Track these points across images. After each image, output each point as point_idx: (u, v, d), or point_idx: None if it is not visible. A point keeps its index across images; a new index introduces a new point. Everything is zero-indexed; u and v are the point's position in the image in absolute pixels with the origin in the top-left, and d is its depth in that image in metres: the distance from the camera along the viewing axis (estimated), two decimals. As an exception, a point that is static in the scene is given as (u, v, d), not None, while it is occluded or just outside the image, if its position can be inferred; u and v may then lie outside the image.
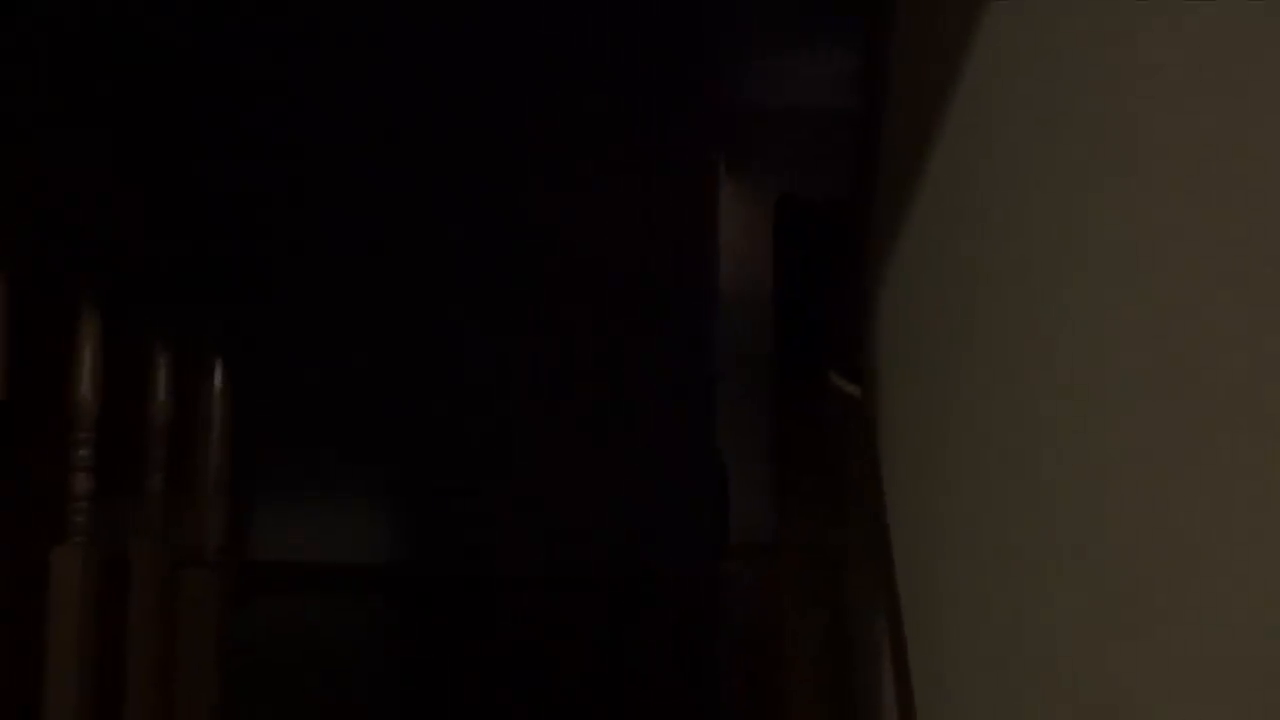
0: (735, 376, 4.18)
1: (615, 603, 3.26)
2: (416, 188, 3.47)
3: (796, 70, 3.70)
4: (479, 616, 3.24)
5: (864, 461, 1.36)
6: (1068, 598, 0.71)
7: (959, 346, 0.91)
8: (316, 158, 3.44)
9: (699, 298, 3.59)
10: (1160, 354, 0.53)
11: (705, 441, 3.58)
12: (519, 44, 3.47)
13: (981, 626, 0.92)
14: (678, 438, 3.49)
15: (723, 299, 4.13)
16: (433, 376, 3.43)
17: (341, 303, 3.39)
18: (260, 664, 2.52)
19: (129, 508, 1.76)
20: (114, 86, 1.54)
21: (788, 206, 4.40)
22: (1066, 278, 0.63)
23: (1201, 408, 0.50)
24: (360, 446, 3.35)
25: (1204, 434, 0.51)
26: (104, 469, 1.62)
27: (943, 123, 0.87)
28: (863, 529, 1.35)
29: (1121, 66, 0.54)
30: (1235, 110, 0.45)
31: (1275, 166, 0.42)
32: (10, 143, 1.44)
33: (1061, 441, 0.69)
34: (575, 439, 3.41)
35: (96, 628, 1.59)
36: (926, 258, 0.93)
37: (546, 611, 3.24)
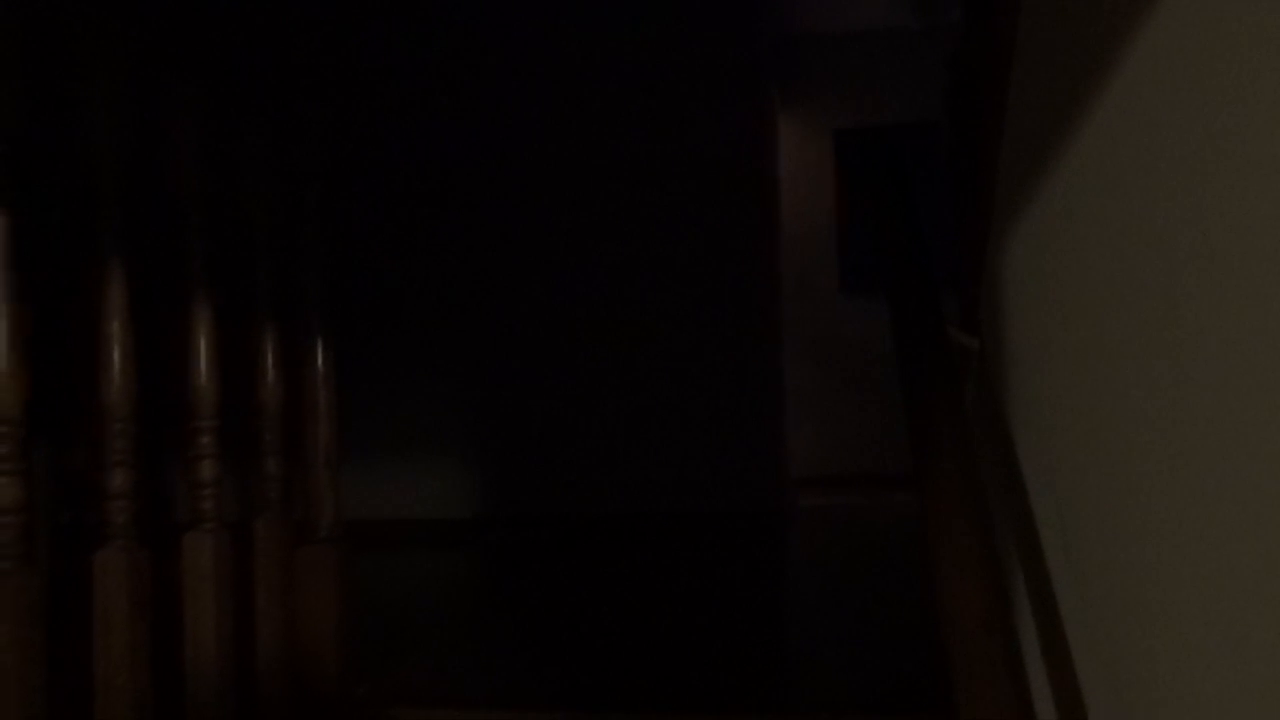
0: (815, 314, 4.14)
1: (721, 537, 3.29)
2: (489, 144, 3.45)
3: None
4: (570, 561, 3.29)
5: (985, 415, 1.34)
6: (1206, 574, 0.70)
7: (1101, 309, 0.88)
8: (398, 124, 3.42)
9: (763, 228, 3.55)
10: None
11: (772, 378, 3.57)
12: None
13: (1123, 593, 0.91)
14: (745, 377, 3.48)
15: (789, 231, 4.08)
16: (511, 328, 3.43)
17: (425, 264, 3.40)
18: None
19: (246, 484, 1.79)
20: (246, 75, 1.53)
21: (848, 137, 4.32)
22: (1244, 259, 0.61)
23: None
24: (443, 407, 3.38)
25: None
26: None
27: (1096, 68, 0.83)
28: (988, 460, 1.34)
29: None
30: None
31: None
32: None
33: (1210, 419, 0.68)
34: (654, 385, 3.42)
35: (228, 607, 1.62)
36: (1115, 156, 0.89)
37: (663, 550, 3.28)
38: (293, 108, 1.61)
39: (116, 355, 1.38)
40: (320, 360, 1.83)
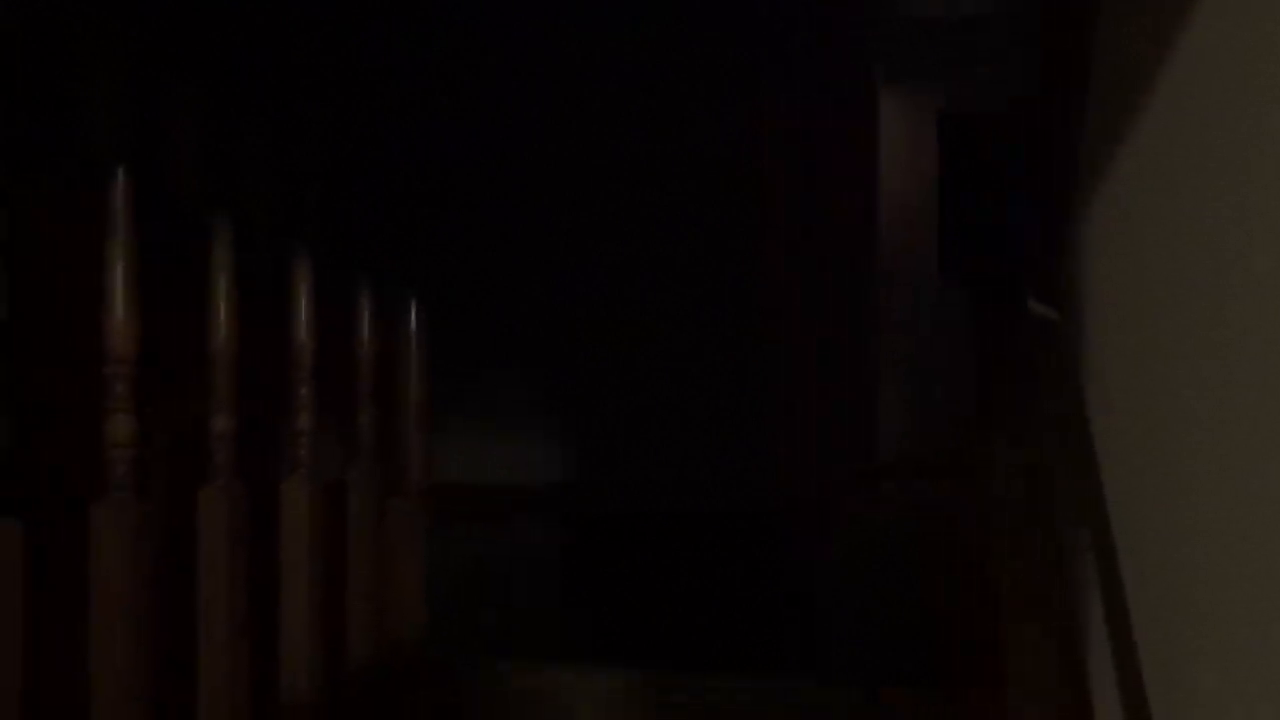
0: (906, 298, 4.08)
1: (793, 525, 3.30)
2: (581, 121, 3.49)
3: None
4: (649, 537, 3.34)
5: (1064, 388, 1.32)
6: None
7: (1180, 277, 0.87)
8: (484, 96, 3.49)
9: (861, 214, 3.51)
10: None
11: (865, 362, 3.55)
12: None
13: (1200, 554, 0.90)
14: (838, 360, 3.46)
15: (886, 216, 4.02)
16: (601, 306, 3.49)
17: (515, 238, 3.48)
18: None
19: (339, 439, 1.89)
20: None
21: (953, 119, 4.21)
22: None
23: None
24: (533, 377, 3.46)
25: None
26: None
27: (1180, 24, 0.82)
28: (1066, 455, 1.33)
29: None
30: None
31: None
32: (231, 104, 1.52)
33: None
34: (739, 366, 3.43)
35: (320, 549, 1.72)
36: (1169, 153, 0.88)
37: (720, 537, 3.31)
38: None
39: (222, 309, 1.48)
40: (413, 321, 1.91)
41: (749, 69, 3.42)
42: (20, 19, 1.24)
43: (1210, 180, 0.63)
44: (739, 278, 3.44)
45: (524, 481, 3.42)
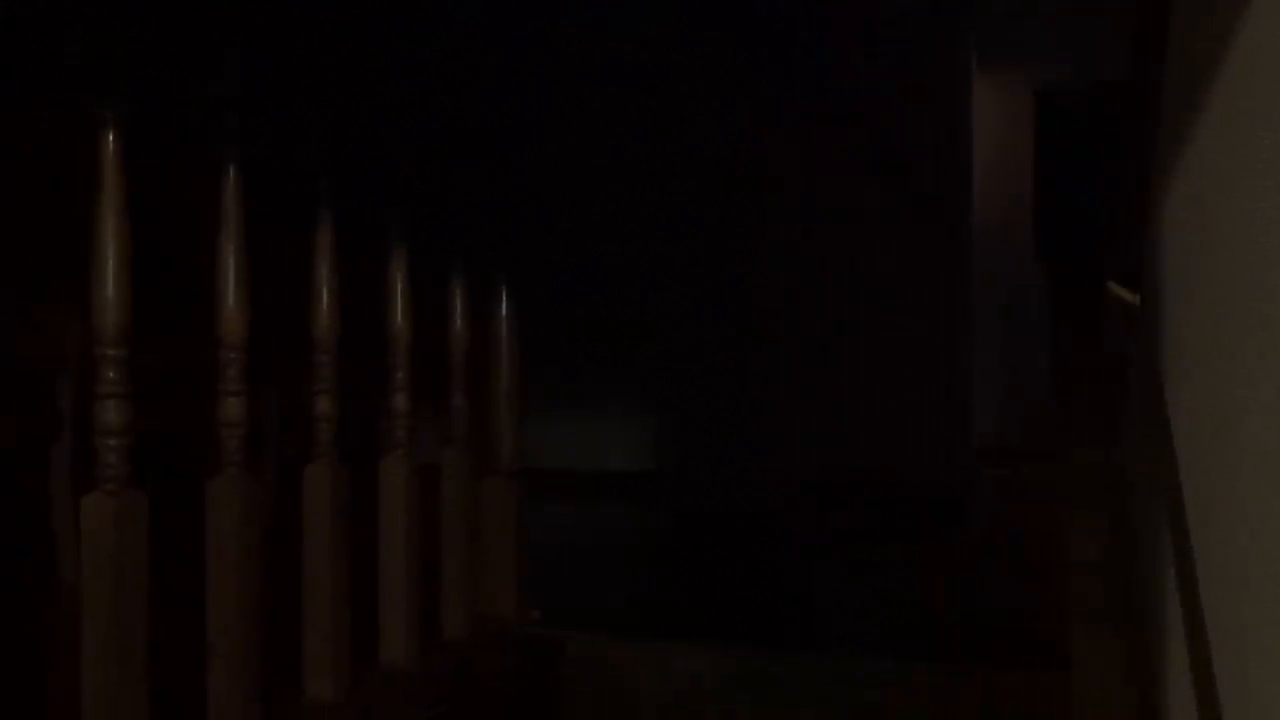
0: (1000, 284, 4.00)
1: (880, 513, 3.30)
2: (672, 108, 3.53)
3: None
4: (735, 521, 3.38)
5: (1144, 372, 1.30)
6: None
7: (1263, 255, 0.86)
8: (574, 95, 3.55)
9: (955, 197, 3.46)
10: None
11: (960, 350, 3.49)
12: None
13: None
14: (933, 349, 3.42)
15: (980, 199, 3.94)
16: (692, 301, 3.52)
17: (608, 228, 3.53)
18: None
19: (435, 422, 1.97)
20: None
21: (1051, 98, 4.09)
22: None
23: None
24: (626, 367, 3.53)
25: None
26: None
27: None
28: (1144, 440, 1.31)
29: None
30: None
31: None
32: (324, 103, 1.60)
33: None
34: (832, 354, 3.42)
35: (417, 525, 1.81)
36: (1228, 150, 0.87)
37: (803, 526, 3.32)
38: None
39: (324, 295, 1.57)
40: (504, 310, 1.98)
41: (829, 60, 3.40)
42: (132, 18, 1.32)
43: (1258, 180, 0.64)
44: (845, 275, 3.43)
45: (612, 468, 3.49)
